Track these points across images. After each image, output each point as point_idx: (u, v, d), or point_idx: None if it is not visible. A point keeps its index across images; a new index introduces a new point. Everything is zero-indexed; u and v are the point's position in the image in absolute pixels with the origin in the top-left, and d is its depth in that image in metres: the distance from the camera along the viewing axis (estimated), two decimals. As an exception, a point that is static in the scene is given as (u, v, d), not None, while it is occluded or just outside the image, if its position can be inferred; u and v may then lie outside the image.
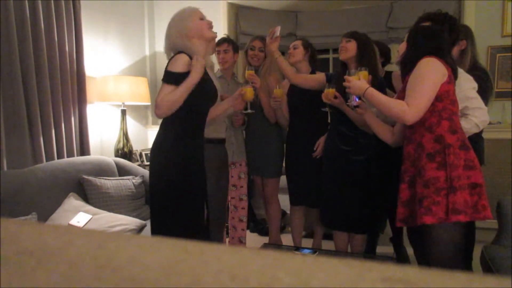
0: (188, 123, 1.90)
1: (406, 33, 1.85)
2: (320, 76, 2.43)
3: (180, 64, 1.81)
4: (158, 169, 1.91)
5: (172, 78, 1.81)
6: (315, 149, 2.54)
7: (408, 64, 1.74)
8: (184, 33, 1.87)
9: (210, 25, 1.95)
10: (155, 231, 1.92)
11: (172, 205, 1.87)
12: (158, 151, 1.90)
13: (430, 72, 1.65)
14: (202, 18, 1.93)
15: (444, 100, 1.65)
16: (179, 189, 1.86)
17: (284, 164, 2.79)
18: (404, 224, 1.78)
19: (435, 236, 1.65)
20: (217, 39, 2.23)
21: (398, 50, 1.84)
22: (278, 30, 2.30)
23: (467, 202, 1.60)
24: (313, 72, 2.62)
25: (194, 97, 1.85)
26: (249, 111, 2.38)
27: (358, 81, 1.81)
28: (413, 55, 1.73)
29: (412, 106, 1.63)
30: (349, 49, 2.23)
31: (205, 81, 1.92)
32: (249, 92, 2.20)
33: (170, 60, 1.87)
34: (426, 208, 1.61)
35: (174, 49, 1.91)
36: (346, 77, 1.85)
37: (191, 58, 1.85)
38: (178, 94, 1.78)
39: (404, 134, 1.81)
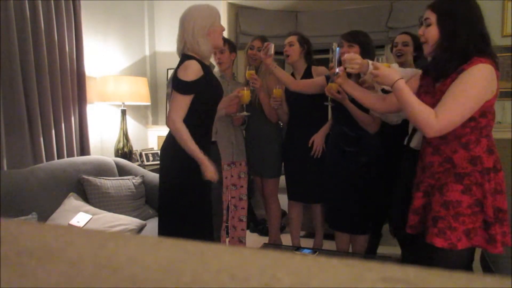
0: (198, 125, 1.89)
1: (428, 10, 1.49)
2: (320, 80, 2.40)
3: (192, 73, 1.81)
4: (166, 170, 1.94)
5: (186, 88, 1.81)
6: (309, 145, 2.53)
7: (448, 65, 1.43)
8: (205, 32, 1.86)
9: (222, 33, 1.97)
10: (162, 231, 1.95)
11: (179, 205, 1.90)
12: (167, 152, 1.93)
13: (481, 88, 1.38)
14: (219, 21, 1.95)
15: (488, 116, 1.44)
16: (186, 190, 1.89)
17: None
18: (414, 231, 1.65)
19: (441, 258, 1.50)
20: None
21: (422, 35, 1.51)
22: (271, 48, 2.28)
23: None
24: (309, 68, 2.60)
25: (204, 102, 1.87)
26: (244, 113, 2.36)
27: (389, 69, 1.51)
28: (456, 54, 1.42)
29: (443, 120, 1.38)
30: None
31: (212, 83, 1.92)
32: (246, 95, 2.17)
33: (180, 66, 1.85)
34: (440, 230, 1.46)
35: (186, 47, 1.88)
36: (374, 63, 1.55)
37: (199, 61, 1.85)
38: (186, 143, 1.81)
39: (427, 139, 1.57)
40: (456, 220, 1.43)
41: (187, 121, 1.84)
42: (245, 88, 2.26)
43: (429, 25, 1.48)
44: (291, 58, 2.56)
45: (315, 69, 2.60)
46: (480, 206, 1.44)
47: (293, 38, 2.56)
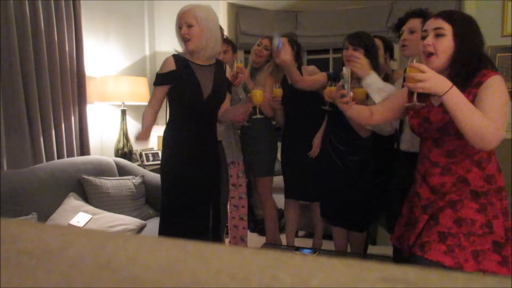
0: (177, 123, 1.99)
1: (438, 19, 1.38)
2: (322, 77, 2.43)
3: (163, 66, 1.96)
4: (160, 168, 2.08)
5: (156, 79, 1.97)
6: (313, 148, 2.54)
7: (466, 80, 1.37)
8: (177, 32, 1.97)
9: (180, 30, 2.02)
10: (159, 229, 2.04)
11: (166, 204, 2.01)
12: (161, 151, 2.07)
13: (508, 97, 1.36)
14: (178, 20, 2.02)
15: None
16: (170, 189, 1.99)
17: (279, 162, 2.80)
18: (410, 251, 1.52)
19: None
20: None
21: (429, 45, 1.39)
22: (277, 41, 2.13)
23: None
24: (299, 67, 2.62)
25: (178, 95, 1.95)
26: (258, 116, 2.21)
27: (438, 74, 1.29)
28: (473, 68, 1.37)
29: (502, 129, 1.28)
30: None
31: (182, 78, 1.93)
32: (258, 94, 2.01)
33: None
34: (448, 248, 1.36)
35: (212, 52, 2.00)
36: (419, 65, 1.29)
37: (180, 58, 1.95)
38: (142, 123, 2.02)
39: (431, 160, 1.48)
40: (467, 239, 1.36)
41: (174, 114, 2.00)
42: (258, 88, 2.10)
43: (440, 35, 1.37)
44: (278, 59, 2.56)
45: (305, 68, 2.63)
46: (489, 227, 1.38)
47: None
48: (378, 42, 2.52)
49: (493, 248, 1.36)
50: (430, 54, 1.39)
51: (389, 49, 2.59)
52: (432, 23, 1.39)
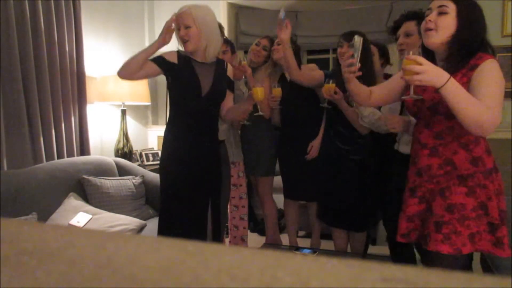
0: (176, 121, 1.99)
1: None
2: (319, 75, 2.44)
3: (166, 53, 1.97)
4: (159, 168, 2.08)
5: (157, 58, 1.95)
6: (308, 151, 2.55)
7: (463, 59, 1.37)
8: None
9: (180, 28, 2.06)
10: (158, 229, 2.05)
11: (163, 203, 2.03)
12: (161, 150, 2.08)
13: (503, 82, 1.34)
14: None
15: None
16: (169, 189, 1.99)
17: (278, 161, 2.81)
18: (406, 240, 1.56)
19: (445, 265, 1.41)
20: None
21: (430, 21, 1.39)
22: (283, 14, 2.07)
23: None
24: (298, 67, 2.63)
25: (174, 93, 1.97)
26: (260, 113, 2.24)
27: (435, 66, 1.28)
28: (470, 48, 1.37)
29: (498, 116, 1.28)
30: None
31: (185, 76, 1.94)
32: (260, 92, 2.02)
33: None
34: (445, 236, 1.38)
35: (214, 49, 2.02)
36: (416, 57, 1.26)
37: (182, 55, 1.97)
38: (136, 56, 1.90)
39: (420, 141, 1.49)
40: (462, 224, 1.37)
41: (174, 113, 2.01)
42: (258, 86, 2.09)
43: (443, 13, 1.37)
44: (278, 54, 2.56)
45: (304, 66, 2.63)
46: (483, 209, 1.38)
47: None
48: (373, 48, 2.51)
49: (488, 229, 1.39)
50: (429, 30, 1.40)
51: (384, 55, 2.59)
52: (438, 2, 1.40)
